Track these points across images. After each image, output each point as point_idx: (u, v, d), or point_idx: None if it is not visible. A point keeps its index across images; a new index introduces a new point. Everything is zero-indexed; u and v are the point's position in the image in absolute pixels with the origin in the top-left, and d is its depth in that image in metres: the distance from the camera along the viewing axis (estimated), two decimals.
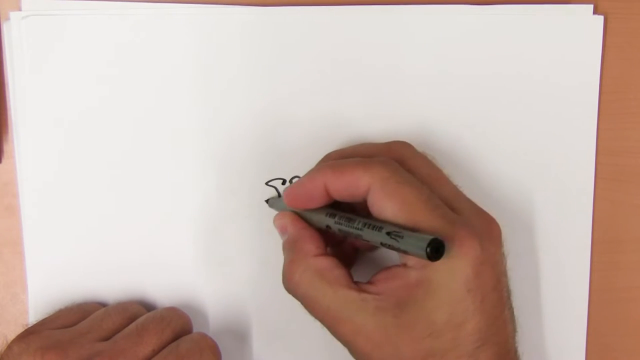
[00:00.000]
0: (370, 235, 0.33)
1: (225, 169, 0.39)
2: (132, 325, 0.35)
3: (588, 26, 0.41)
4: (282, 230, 0.38)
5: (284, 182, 0.40)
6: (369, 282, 0.35)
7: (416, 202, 0.33)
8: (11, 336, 0.34)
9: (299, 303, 0.40)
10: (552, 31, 0.41)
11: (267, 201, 0.40)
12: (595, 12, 0.41)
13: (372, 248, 0.40)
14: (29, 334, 0.34)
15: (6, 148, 0.39)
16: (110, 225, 0.39)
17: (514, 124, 0.41)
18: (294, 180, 0.40)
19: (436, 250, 0.31)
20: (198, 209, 0.39)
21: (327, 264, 0.35)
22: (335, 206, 0.36)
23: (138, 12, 0.38)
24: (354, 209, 0.36)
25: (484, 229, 0.34)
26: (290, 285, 0.36)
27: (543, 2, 0.41)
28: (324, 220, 0.36)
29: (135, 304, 0.37)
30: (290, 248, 0.36)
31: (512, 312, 0.35)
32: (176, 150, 0.39)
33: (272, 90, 0.39)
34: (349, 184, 0.34)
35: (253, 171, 0.40)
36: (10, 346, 0.33)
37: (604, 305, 0.43)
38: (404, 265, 0.34)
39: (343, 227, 0.35)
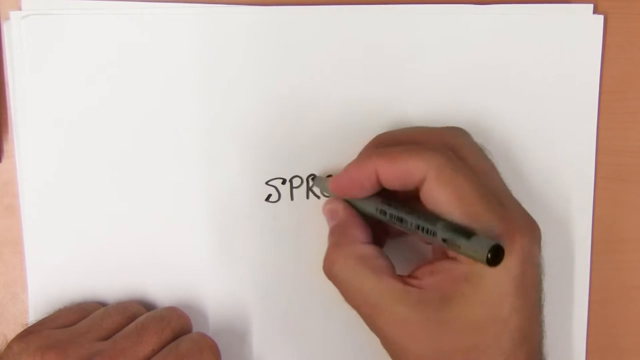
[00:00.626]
0: (423, 237, 0.33)
1: (225, 169, 0.39)
2: (132, 325, 0.35)
3: (588, 26, 0.41)
4: (332, 215, 0.37)
5: (284, 182, 0.40)
6: (412, 276, 0.34)
7: (471, 193, 0.33)
8: (11, 336, 0.34)
9: (299, 303, 0.40)
10: (552, 31, 0.41)
11: (313, 179, 0.39)
12: (595, 11, 0.41)
13: (404, 234, 0.39)
14: (29, 333, 0.34)
15: (6, 148, 0.39)
16: (110, 225, 0.39)
17: (513, 123, 0.41)
18: (293, 180, 0.40)
19: (496, 255, 0.30)
20: (198, 208, 0.39)
21: (372, 252, 0.35)
22: (381, 194, 0.36)
23: (139, 12, 0.38)
24: (397, 194, 0.36)
25: (529, 229, 0.34)
26: (332, 269, 0.35)
27: (543, 1, 0.41)
28: (374, 215, 0.35)
29: (135, 304, 0.37)
30: (338, 233, 0.36)
31: (544, 315, 0.35)
32: (176, 151, 0.39)
33: (276, 90, 0.39)
34: (403, 172, 0.34)
35: (253, 171, 0.40)
36: (10, 345, 0.33)
37: (604, 305, 0.43)
38: (453, 259, 0.33)
39: (394, 224, 0.34)
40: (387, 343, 0.34)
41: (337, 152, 0.40)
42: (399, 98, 0.40)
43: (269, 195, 0.40)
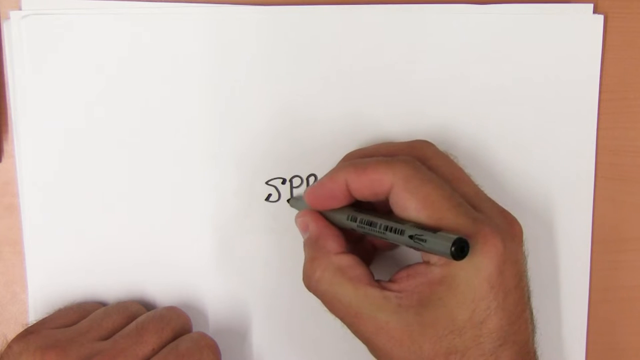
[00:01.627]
0: (392, 238, 0.33)
1: (225, 169, 0.39)
2: (132, 325, 0.35)
3: (588, 25, 0.41)
4: (304, 229, 0.38)
5: (283, 182, 0.40)
6: (391, 281, 0.35)
7: (439, 200, 0.33)
8: (11, 335, 0.34)
9: (298, 303, 0.40)
10: (552, 30, 0.41)
11: (288, 201, 0.40)
12: (595, 11, 0.41)
13: (392, 247, 0.40)
14: (29, 333, 0.34)
15: (6, 147, 0.39)
16: (110, 224, 0.39)
17: (513, 123, 0.41)
18: (293, 180, 0.40)
19: (461, 249, 0.31)
20: (198, 208, 0.39)
21: (348, 261, 0.35)
22: (356, 205, 0.36)
23: (139, 12, 0.38)
24: (374, 207, 0.36)
25: (505, 228, 0.34)
26: (310, 282, 0.36)
27: (543, 1, 0.41)
28: (345, 224, 0.36)
29: (135, 304, 0.37)
30: (312, 246, 0.36)
31: (532, 313, 0.35)
32: (176, 151, 0.39)
33: (276, 90, 0.39)
34: (372, 182, 0.34)
35: (253, 171, 0.40)
36: (10, 345, 0.33)
37: (604, 305, 0.43)
38: (427, 262, 0.34)
39: (365, 231, 0.35)
40: (373, 350, 0.35)
41: (337, 151, 0.40)
42: (399, 96, 0.40)
43: (269, 195, 0.40)
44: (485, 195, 0.36)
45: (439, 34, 0.40)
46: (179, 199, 0.39)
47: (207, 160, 0.39)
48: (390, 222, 0.34)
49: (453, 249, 0.30)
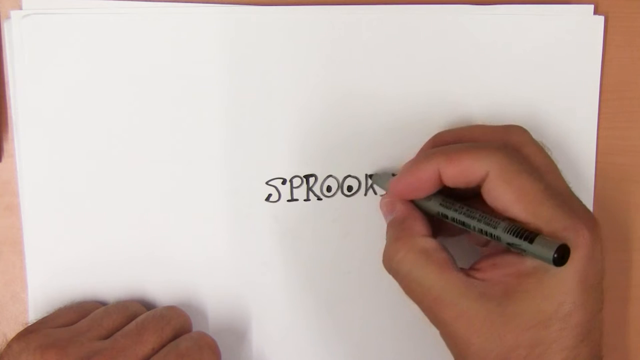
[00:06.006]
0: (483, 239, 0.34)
1: (225, 169, 0.39)
2: (132, 324, 0.35)
3: (589, 26, 0.41)
4: (389, 210, 0.37)
5: (284, 182, 0.40)
6: (473, 269, 0.34)
7: (534, 192, 0.33)
8: (11, 335, 0.34)
9: (298, 303, 0.40)
10: (553, 31, 0.41)
11: (370, 176, 0.39)
12: (595, 12, 0.41)
13: (457, 233, 0.39)
14: (29, 332, 0.34)
15: (6, 147, 0.39)
16: (110, 224, 0.39)
17: (513, 123, 0.41)
18: (293, 180, 0.40)
19: (562, 256, 0.31)
20: (198, 208, 0.39)
21: (434, 245, 0.35)
22: (441, 191, 0.36)
23: (140, 11, 0.38)
24: (456, 195, 0.36)
25: (593, 226, 0.34)
26: (392, 262, 0.35)
27: (544, 2, 0.41)
28: (438, 208, 0.35)
29: (135, 303, 0.37)
30: (397, 226, 0.36)
31: (602, 314, 0.35)
32: (176, 151, 0.39)
33: (276, 90, 0.39)
34: (465, 171, 0.34)
35: (253, 171, 0.40)
36: (10, 345, 0.33)
37: (607, 305, 0.43)
38: (517, 253, 0.33)
39: (460, 219, 0.35)
40: (449, 336, 0.34)
41: (338, 151, 0.40)
42: (397, 98, 0.40)
43: (269, 195, 0.40)
44: (572, 191, 0.36)
45: (438, 35, 0.40)
46: (179, 199, 0.39)
47: (207, 161, 0.39)
48: (483, 225, 0.33)
49: (556, 255, 0.31)
